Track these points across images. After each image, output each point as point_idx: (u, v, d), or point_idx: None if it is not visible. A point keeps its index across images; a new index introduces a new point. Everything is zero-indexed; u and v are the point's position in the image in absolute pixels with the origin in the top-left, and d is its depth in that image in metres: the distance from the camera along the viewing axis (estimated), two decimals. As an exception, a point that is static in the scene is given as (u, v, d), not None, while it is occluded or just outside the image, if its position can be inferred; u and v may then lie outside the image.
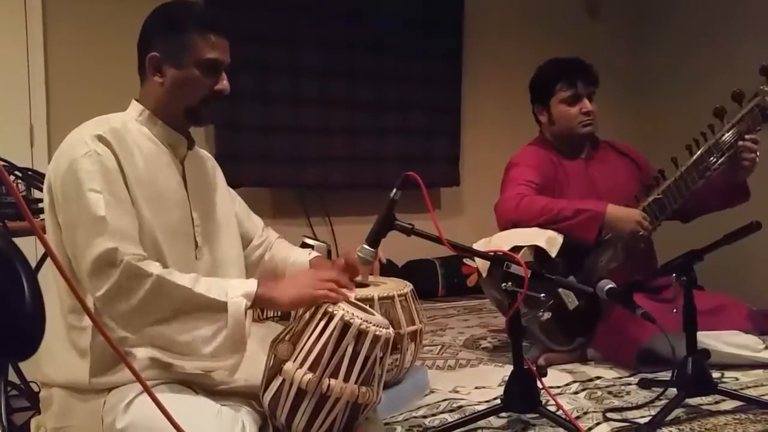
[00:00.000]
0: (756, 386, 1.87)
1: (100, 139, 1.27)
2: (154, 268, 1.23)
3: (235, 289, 1.28)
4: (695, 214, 2.33)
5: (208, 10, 1.41)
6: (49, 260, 1.07)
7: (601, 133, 2.53)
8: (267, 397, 1.32)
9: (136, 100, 1.42)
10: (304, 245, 2.17)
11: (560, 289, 2.08)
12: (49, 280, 1.35)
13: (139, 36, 1.41)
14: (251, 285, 1.30)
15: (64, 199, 1.27)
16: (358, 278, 1.68)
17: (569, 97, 2.27)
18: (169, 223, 1.35)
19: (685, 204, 2.16)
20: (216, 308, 1.25)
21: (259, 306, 1.33)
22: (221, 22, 1.40)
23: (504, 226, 2.18)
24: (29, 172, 2.01)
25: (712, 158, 2.07)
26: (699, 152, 2.08)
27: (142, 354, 1.29)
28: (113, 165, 1.27)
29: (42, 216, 1.95)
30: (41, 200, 1.96)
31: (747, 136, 2.06)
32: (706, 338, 1.87)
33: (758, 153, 2.07)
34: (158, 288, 1.22)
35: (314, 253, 1.72)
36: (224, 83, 1.40)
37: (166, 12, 1.40)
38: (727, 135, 2.05)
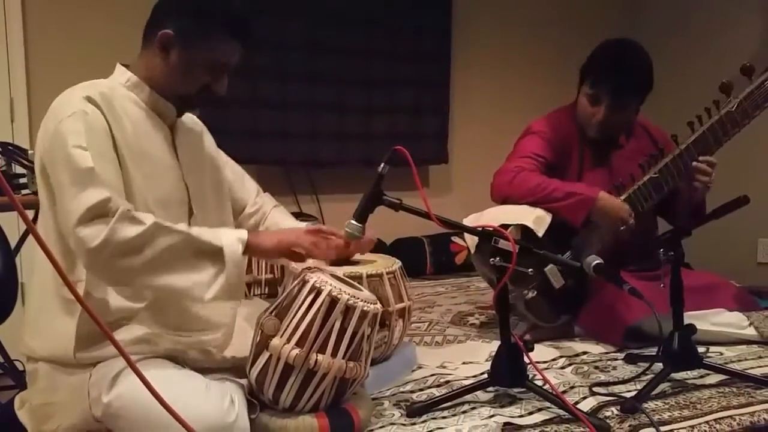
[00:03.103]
0: (740, 360, 1.90)
1: (89, 100, 1.25)
2: (148, 218, 1.20)
3: (229, 235, 1.27)
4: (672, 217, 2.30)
5: (241, 12, 1.36)
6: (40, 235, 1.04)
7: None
8: (254, 372, 1.32)
9: (124, 66, 1.38)
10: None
11: (546, 269, 2.09)
12: (40, 252, 1.33)
13: (158, 4, 1.35)
14: (242, 233, 1.30)
15: (51, 159, 1.23)
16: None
17: (590, 96, 2.14)
18: (161, 190, 1.33)
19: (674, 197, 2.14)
20: (213, 252, 1.24)
21: (250, 254, 1.32)
22: (250, 31, 1.37)
23: (496, 198, 2.16)
24: (9, 147, 1.97)
25: (714, 136, 2.00)
26: (700, 130, 2.02)
27: (129, 329, 1.28)
28: (102, 125, 1.24)
29: (24, 191, 1.93)
30: (22, 175, 1.94)
31: (701, 158, 2.02)
32: (691, 319, 1.86)
33: (713, 176, 2.02)
34: (154, 233, 1.19)
35: (310, 225, 1.70)
36: (222, 86, 1.38)
37: None
38: (732, 111, 1.96)
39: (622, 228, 2.05)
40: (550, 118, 2.28)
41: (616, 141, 2.25)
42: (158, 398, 1.01)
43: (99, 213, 1.16)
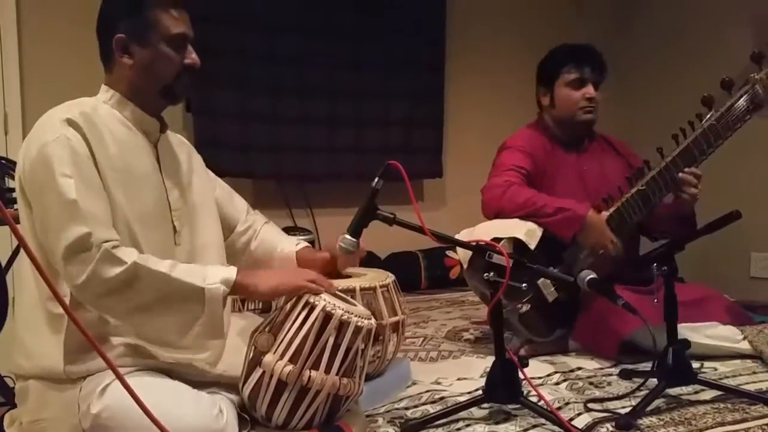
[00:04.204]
0: (734, 376, 1.89)
1: (70, 123, 1.25)
2: (130, 255, 1.21)
3: (214, 276, 1.26)
4: (655, 235, 2.34)
5: None
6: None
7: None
8: (247, 389, 1.31)
9: (106, 85, 1.39)
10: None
11: (539, 281, 2.09)
12: (26, 268, 1.33)
13: (97, 20, 1.38)
14: (230, 272, 1.29)
15: (34, 184, 1.25)
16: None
17: (574, 80, 2.24)
18: (145, 207, 1.33)
19: (656, 211, 2.16)
20: (193, 295, 1.24)
21: (237, 294, 1.32)
22: None
23: (488, 213, 2.18)
24: (3, 161, 1.97)
25: (698, 148, 2.04)
26: (685, 143, 2.05)
27: (118, 341, 1.27)
28: (83, 150, 1.25)
29: (17, 206, 1.92)
30: (14, 190, 1.93)
31: (686, 170, 2.05)
32: (685, 330, 1.89)
33: (699, 187, 2.06)
34: (135, 275, 1.20)
35: (302, 243, 1.69)
36: (193, 56, 1.39)
37: None
38: (714, 124, 2.00)
39: (600, 252, 2.08)
40: (521, 132, 2.36)
41: (592, 129, 2.34)
42: (143, 408, 1.00)
43: (80, 249, 1.18)
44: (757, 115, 2.01)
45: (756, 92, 1.97)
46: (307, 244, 1.71)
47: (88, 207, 1.21)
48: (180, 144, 1.55)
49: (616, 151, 2.41)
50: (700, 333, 2.01)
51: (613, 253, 2.09)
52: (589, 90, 2.24)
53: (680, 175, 2.06)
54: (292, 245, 1.68)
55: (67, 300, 1.23)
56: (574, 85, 2.25)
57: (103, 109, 1.34)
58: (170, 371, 1.32)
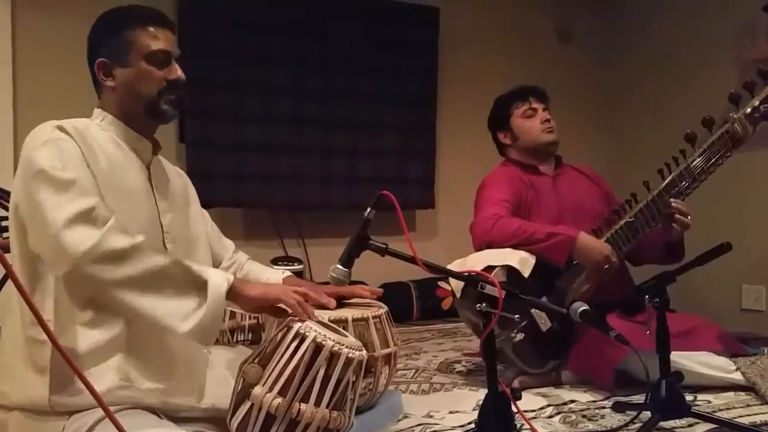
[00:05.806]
0: (728, 409, 1.88)
1: (62, 129, 1.25)
2: (139, 237, 1.21)
3: (216, 273, 1.27)
4: (639, 261, 2.39)
5: (147, 7, 1.41)
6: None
7: (573, 156, 2.56)
8: (234, 423, 1.28)
9: (98, 108, 1.40)
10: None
11: (533, 310, 2.08)
12: (13, 295, 1.31)
13: (87, 51, 1.40)
14: (229, 274, 1.30)
15: (25, 186, 1.21)
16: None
17: (526, 110, 2.41)
18: (136, 224, 1.31)
19: (646, 237, 2.19)
20: (198, 282, 1.23)
21: (232, 298, 1.30)
22: (161, 14, 1.40)
23: (479, 246, 2.20)
24: (-7, 190, 1.96)
25: (683, 183, 2.10)
26: (671, 176, 2.11)
27: (105, 375, 1.24)
28: (77, 153, 1.24)
29: (5, 234, 1.90)
30: (4, 218, 1.91)
31: (675, 201, 2.10)
32: (679, 358, 1.89)
33: (689, 217, 2.12)
34: (144, 250, 1.19)
35: (287, 273, 1.70)
36: (177, 72, 1.38)
37: (105, 18, 1.41)
38: (698, 160, 2.08)
39: (606, 267, 2.09)
40: (497, 170, 2.46)
41: (557, 155, 2.47)
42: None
43: (87, 219, 1.16)
44: (738, 151, 2.07)
45: (735, 130, 2.03)
46: (291, 273, 1.73)
47: (87, 186, 1.20)
48: (177, 174, 1.55)
49: (588, 177, 2.49)
50: (693, 361, 2.01)
51: (617, 263, 2.12)
52: (542, 115, 2.41)
53: (674, 204, 2.10)
54: (278, 274, 1.70)
55: (51, 326, 1.20)
56: (527, 115, 2.41)
57: (95, 128, 1.34)
58: (158, 409, 1.29)
